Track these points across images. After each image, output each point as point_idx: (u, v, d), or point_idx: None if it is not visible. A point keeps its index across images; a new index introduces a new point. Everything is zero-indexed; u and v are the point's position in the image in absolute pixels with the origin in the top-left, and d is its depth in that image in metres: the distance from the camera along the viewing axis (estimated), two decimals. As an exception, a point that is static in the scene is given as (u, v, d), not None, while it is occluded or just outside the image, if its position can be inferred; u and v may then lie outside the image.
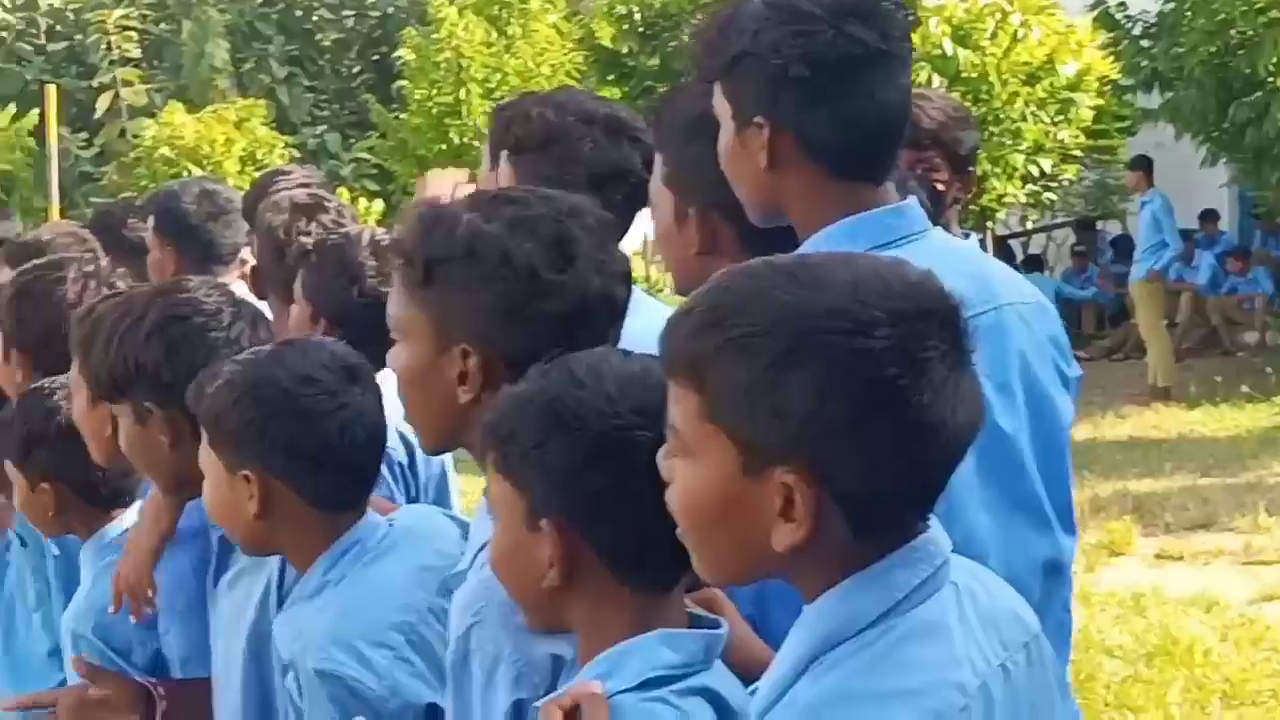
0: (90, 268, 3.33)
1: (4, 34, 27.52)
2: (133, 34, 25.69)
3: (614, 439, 1.71)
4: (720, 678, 1.75)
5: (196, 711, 2.61)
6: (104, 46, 25.55)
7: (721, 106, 2.13)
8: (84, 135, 24.67)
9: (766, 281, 1.49)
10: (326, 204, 3.47)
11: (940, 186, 3.53)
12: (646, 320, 2.30)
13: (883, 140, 2.13)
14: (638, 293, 2.17)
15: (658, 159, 2.39)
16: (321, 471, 2.31)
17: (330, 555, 2.33)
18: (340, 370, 2.34)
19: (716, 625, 1.78)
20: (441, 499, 3.06)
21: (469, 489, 3.58)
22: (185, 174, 17.85)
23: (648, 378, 1.74)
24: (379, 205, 19.51)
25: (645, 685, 1.67)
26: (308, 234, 3.33)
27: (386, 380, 2.37)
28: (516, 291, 1.93)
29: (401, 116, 21.25)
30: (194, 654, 2.63)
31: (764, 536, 1.47)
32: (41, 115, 17.95)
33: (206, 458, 2.37)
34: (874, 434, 1.43)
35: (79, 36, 26.39)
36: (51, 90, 11.25)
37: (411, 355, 2.02)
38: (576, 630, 1.78)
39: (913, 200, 2.19)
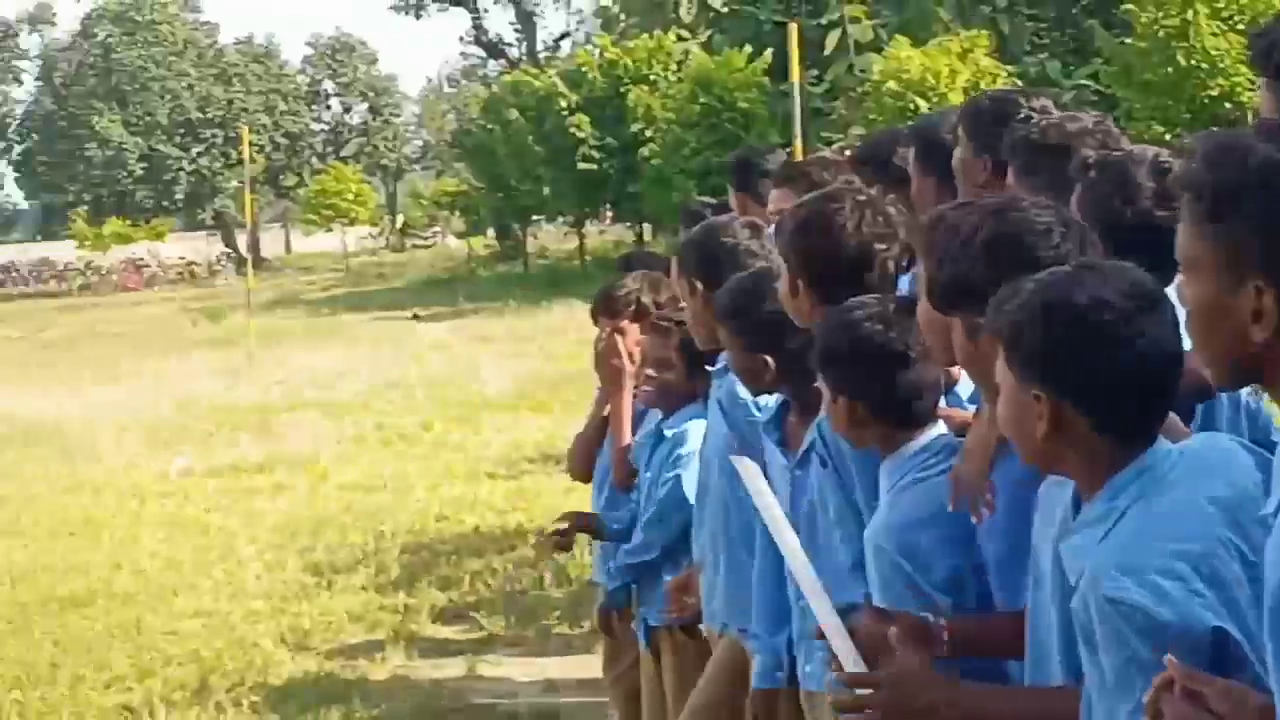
0: (863, 197, 3.41)
1: (741, -22, 29.01)
2: (858, -29, 26.43)
3: None
4: None
5: (993, 646, 2.69)
6: (831, -14, 26.42)
7: None
8: (814, 72, 25.66)
9: None
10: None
11: None
12: None
13: None
14: None
15: None
16: (1114, 399, 2.28)
17: (1117, 482, 2.29)
18: (1139, 297, 2.27)
19: None
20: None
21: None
22: (911, 107, 18.23)
23: None
24: (1106, 134, 19.13)
25: None
26: (1092, 148, 3.33)
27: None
28: None
29: (1126, 41, 20.74)
30: (1013, 556, 2.64)
31: None
32: (775, 55, 18.90)
33: (1001, 372, 2.38)
34: None
35: (808, -24, 27.42)
36: (793, 29, 11.84)
37: (1200, 291, 1.94)
38: None
39: None
